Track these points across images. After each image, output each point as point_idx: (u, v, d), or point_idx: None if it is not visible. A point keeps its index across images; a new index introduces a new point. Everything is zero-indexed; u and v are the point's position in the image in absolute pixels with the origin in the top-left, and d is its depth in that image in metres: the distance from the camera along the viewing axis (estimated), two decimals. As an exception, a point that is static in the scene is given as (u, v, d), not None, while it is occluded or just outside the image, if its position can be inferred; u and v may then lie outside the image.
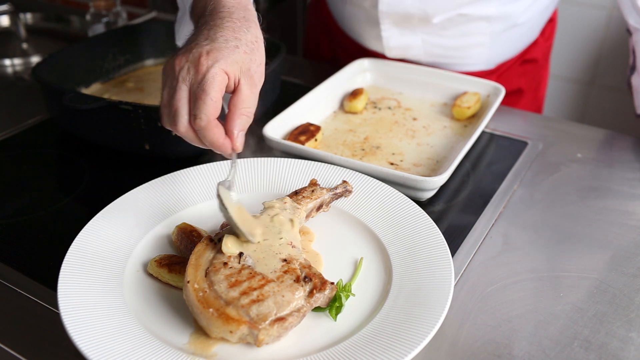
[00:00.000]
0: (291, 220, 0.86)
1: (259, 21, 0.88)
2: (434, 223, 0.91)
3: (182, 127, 0.78)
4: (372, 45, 1.45)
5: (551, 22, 1.54)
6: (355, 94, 1.30)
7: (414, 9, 1.28)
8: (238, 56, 0.79)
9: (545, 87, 1.69)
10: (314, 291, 0.75)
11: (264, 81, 1.19)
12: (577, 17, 2.28)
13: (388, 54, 1.41)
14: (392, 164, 1.12)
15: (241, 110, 0.80)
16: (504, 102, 1.42)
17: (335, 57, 1.62)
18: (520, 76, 1.52)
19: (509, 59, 1.46)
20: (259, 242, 0.81)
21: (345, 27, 1.52)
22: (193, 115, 0.76)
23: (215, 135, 0.77)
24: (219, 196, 0.80)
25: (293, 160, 1.05)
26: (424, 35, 1.35)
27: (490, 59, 1.42)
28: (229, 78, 0.78)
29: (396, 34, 1.36)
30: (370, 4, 1.33)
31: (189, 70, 0.77)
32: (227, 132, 0.79)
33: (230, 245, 0.79)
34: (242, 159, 1.05)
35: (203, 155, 1.12)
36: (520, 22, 1.37)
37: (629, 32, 1.28)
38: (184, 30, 1.04)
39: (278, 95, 1.32)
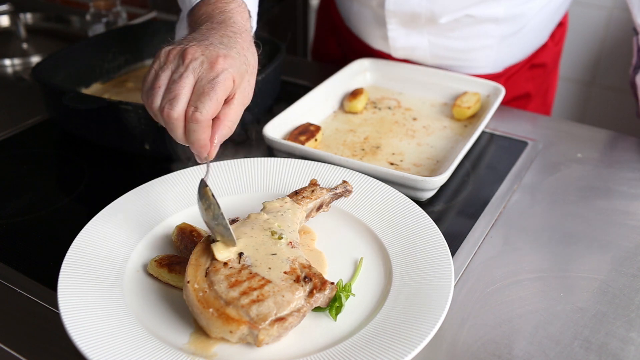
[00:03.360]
0: (293, 220, 0.86)
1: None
2: (434, 223, 0.91)
3: (177, 112, 0.77)
4: (378, 45, 1.44)
5: (561, 25, 1.51)
6: (355, 94, 1.30)
7: (421, 8, 1.28)
8: (244, 73, 0.83)
9: (554, 92, 1.66)
10: (314, 291, 0.75)
11: (264, 81, 1.21)
12: (577, 17, 2.28)
13: (394, 54, 1.41)
14: (392, 164, 1.12)
15: (227, 122, 0.82)
16: (512, 107, 1.42)
17: (344, 57, 1.60)
18: (528, 80, 1.51)
19: (517, 62, 1.44)
20: (257, 248, 0.81)
21: (352, 26, 1.51)
22: (194, 107, 0.77)
23: (204, 134, 0.79)
24: (204, 194, 0.80)
25: (293, 160, 1.05)
26: (430, 37, 1.34)
27: (497, 62, 1.41)
28: (233, 86, 0.81)
29: (402, 35, 1.35)
30: (377, 3, 1.33)
31: (203, 64, 0.79)
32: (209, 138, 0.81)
33: (222, 251, 0.78)
34: (242, 159, 1.05)
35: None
36: (530, 25, 1.35)
37: (635, 30, 1.27)
38: (184, 31, 1.05)
39: (278, 95, 1.32)
